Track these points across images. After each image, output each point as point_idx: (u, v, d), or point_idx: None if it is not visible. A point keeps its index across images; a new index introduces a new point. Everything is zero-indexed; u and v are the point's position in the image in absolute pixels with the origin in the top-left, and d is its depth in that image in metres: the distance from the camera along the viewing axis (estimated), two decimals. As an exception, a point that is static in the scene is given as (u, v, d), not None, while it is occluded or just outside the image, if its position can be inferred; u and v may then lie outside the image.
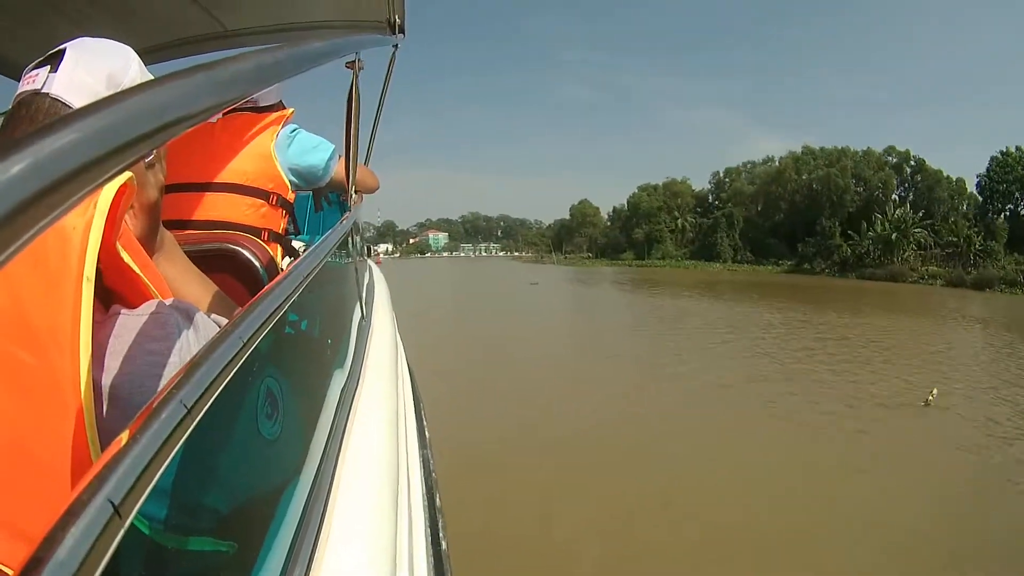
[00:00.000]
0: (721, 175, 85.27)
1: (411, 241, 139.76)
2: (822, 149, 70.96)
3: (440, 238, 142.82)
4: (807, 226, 64.88)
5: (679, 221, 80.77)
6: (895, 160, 66.17)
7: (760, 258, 70.13)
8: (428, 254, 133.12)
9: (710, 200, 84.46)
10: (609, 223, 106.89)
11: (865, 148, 68.10)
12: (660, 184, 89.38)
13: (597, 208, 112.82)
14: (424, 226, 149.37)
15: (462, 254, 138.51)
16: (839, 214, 63.30)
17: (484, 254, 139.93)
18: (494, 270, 69.15)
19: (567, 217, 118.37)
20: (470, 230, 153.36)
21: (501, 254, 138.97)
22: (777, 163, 75.94)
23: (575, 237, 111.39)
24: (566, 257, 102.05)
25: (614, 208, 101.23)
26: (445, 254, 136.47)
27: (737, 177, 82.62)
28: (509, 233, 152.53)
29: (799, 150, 73.72)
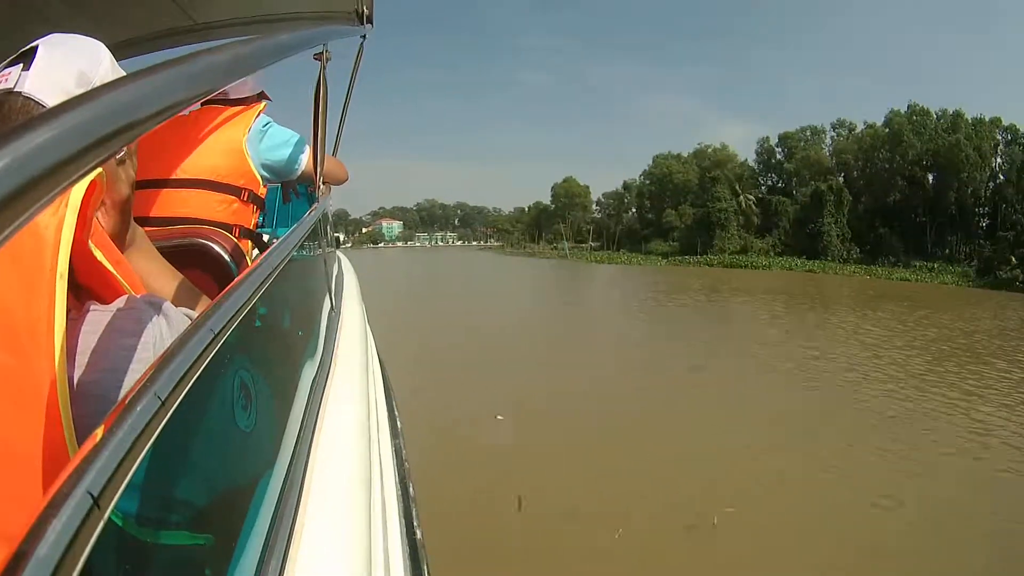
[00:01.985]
0: (772, 142, 62.14)
1: (363, 231, 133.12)
2: (941, 111, 50.08)
3: (394, 227, 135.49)
4: (931, 213, 47.32)
5: (741, 200, 55.59)
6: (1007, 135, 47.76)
7: (870, 255, 48.48)
8: (381, 244, 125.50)
9: (757, 175, 62.24)
10: (598, 207, 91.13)
11: (977, 115, 48.78)
12: (688, 153, 67.87)
13: (587, 187, 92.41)
14: (378, 215, 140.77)
15: (417, 244, 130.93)
16: (964, 197, 46.47)
17: (440, 244, 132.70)
18: (462, 268, 50.53)
19: (540, 201, 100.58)
20: (426, 218, 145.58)
21: (459, 243, 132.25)
22: (881, 125, 53.31)
23: (554, 223, 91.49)
24: (555, 247, 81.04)
25: (624, 183, 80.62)
26: (399, 244, 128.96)
27: (800, 142, 59.31)
28: (467, 222, 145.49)
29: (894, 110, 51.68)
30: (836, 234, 49.04)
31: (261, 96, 1.88)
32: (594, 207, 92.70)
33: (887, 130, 52.09)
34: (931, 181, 49.66)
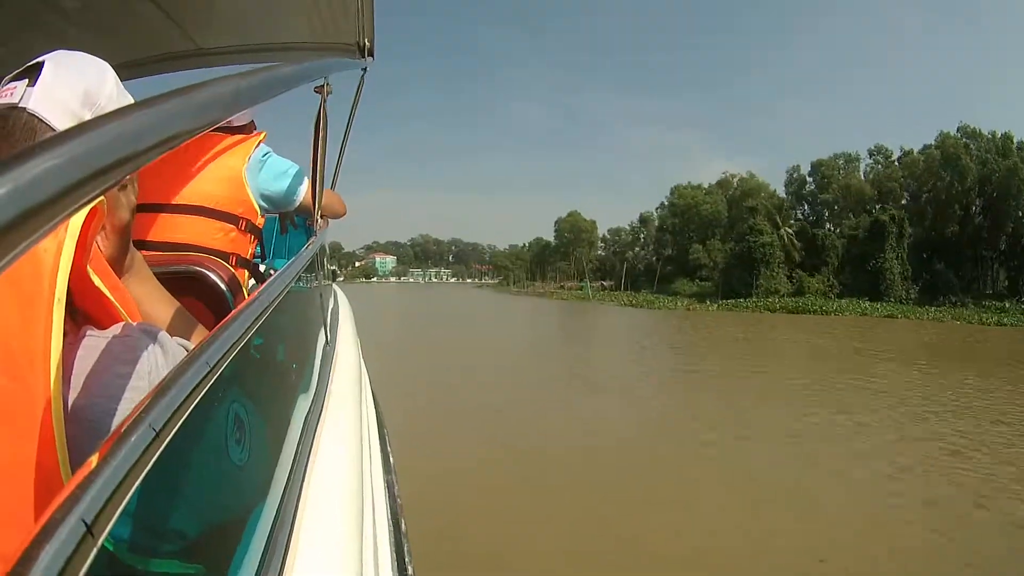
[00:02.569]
0: (803, 172, 56.58)
1: (356, 264, 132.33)
2: (991, 134, 45.29)
3: (388, 262, 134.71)
4: (989, 245, 41.77)
5: (783, 233, 48.35)
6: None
7: (927, 294, 42.81)
8: (374, 279, 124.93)
9: (787, 206, 55.19)
10: (603, 245, 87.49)
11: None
12: (711, 184, 62.59)
13: (593, 223, 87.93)
14: (371, 248, 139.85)
15: (411, 279, 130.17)
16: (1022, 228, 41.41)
17: (435, 280, 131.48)
18: (471, 311, 39.91)
19: (541, 237, 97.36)
20: (420, 254, 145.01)
21: (453, 280, 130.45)
22: (933, 147, 47.96)
23: (557, 261, 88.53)
24: (563, 286, 76.08)
25: (641, 216, 77.49)
26: (393, 279, 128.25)
27: (834, 171, 53.63)
28: (461, 258, 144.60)
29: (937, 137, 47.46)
30: (898, 271, 43.52)
31: (251, 125, 1.90)
32: (598, 244, 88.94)
33: (939, 152, 47.03)
34: (984, 209, 44.44)
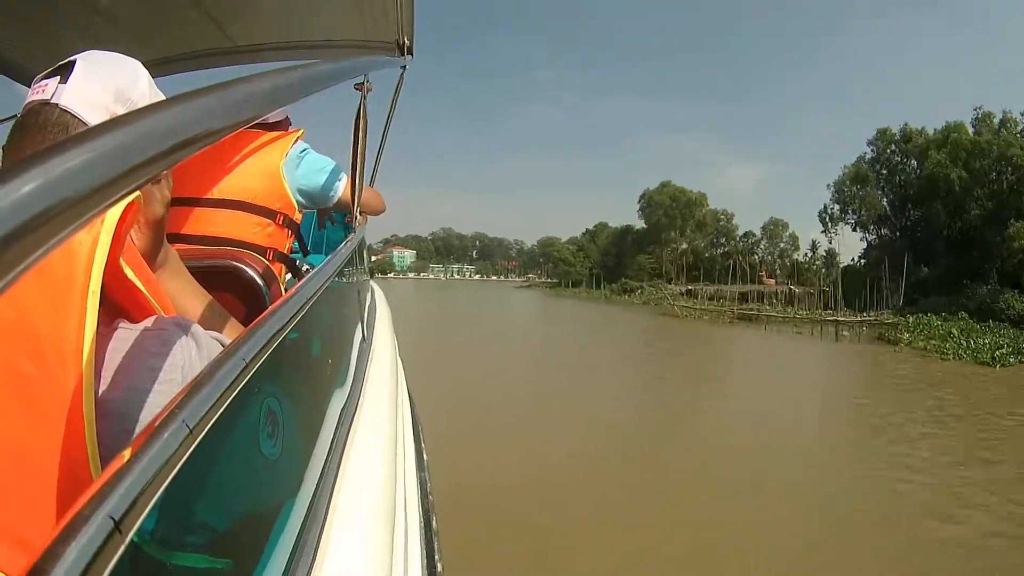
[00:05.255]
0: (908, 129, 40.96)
1: (373, 259, 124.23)
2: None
3: (406, 256, 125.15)
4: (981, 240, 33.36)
5: None
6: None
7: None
8: (391, 274, 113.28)
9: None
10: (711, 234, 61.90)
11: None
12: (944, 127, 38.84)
13: (702, 195, 62.77)
14: (389, 242, 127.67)
15: (431, 276, 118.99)
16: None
17: (456, 276, 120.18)
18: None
19: (613, 224, 71.97)
20: (441, 248, 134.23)
21: (476, 277, 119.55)
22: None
23: (631, 258, 62.70)
24: (665, 297, 43.83)
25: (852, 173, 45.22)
26: (411, 275, 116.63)
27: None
28: (485, 254, 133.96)
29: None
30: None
31: (286, 122, 1.92)
32: (709, 227, 63.44)
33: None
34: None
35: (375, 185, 2.64)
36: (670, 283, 54.10)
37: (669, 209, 62.19)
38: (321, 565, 0.69)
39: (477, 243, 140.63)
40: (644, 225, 65.33)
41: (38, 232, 0.24)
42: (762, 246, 65.18)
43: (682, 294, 47.22)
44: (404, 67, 2.28)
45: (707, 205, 63.30)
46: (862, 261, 47.90)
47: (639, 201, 65.08)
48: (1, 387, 0.48)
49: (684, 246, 63.21)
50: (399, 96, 2.50)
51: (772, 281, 56.35)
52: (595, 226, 78.87)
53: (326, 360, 1.16)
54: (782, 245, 64.30)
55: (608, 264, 67.74)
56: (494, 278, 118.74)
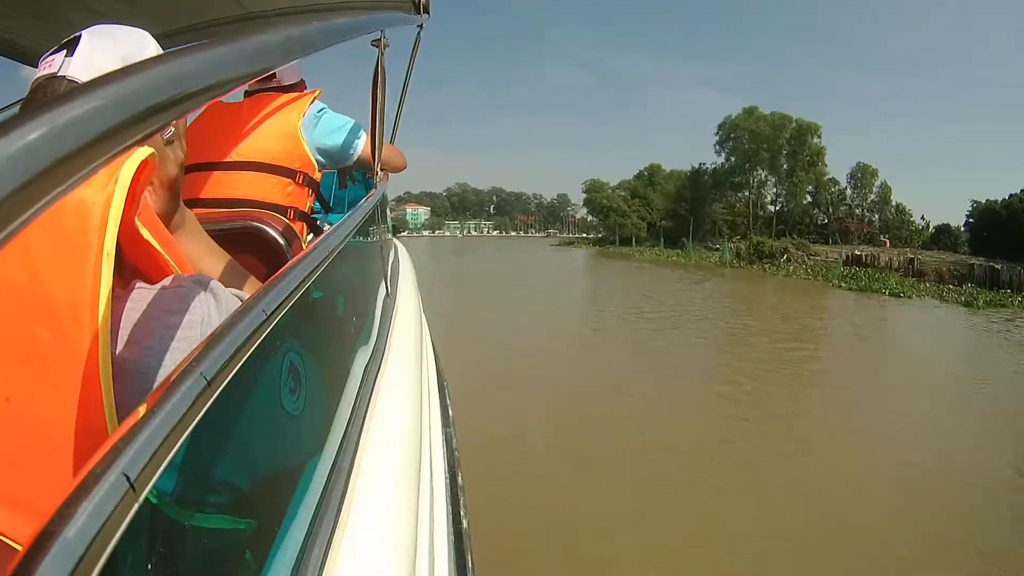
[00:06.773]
0: None
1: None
2: None
3: (420, 213, 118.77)
4: None
5: None
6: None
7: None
8: (404, 232, 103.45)
9: None
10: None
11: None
12: None
13: (814, 125, 46.83)
14: (403, 199, 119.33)
15: (447, 232, 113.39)
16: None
17: (474, 233, 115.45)
18: None
19: (654, 164, 57.27)
20: (457, 204, 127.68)
21: (495, 233, 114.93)
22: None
23: (708, 206, 49.15)
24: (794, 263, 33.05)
25: None
26: (426, 232, 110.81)
27: None
28: (503, 209, 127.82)
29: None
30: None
31: (301, 84, 1.90)
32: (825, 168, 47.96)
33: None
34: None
35: (395, 143, 2.61)
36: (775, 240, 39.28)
37: (770, 140, 45.99)
38: (345, 521, 0.69)
39: (494, 198, 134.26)
40: (725, 163, 48.22)
41: (46, 179, 0.24)
42: (848, 196, 51.29)
43: (846, 261, 33.66)
44: (421, 25, 2.24)
45: (819, 135, 46.86)
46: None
47: (716, 133, 49.02)
48: (16, 353, 0.47)
49: (778, 191, 48.06)
50: (417, 55, 2.46)
51: (887, 242, 45.50)
52: (646, 168, 59.62)
53: (349, 316, 1.15)
54: (872, 197, 50.93)
55: (679, 213, 51.68)
56: (513, 234, 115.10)
